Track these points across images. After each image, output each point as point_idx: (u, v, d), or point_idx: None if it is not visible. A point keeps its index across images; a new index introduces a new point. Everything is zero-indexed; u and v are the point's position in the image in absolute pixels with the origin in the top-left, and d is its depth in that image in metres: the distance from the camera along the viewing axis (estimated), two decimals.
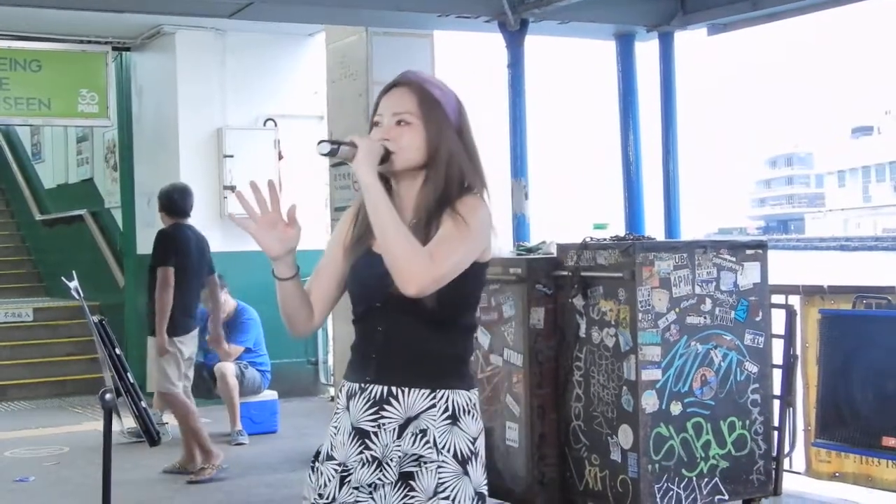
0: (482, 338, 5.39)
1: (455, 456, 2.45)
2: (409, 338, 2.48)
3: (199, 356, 8.27)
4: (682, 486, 4.92)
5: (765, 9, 6.42)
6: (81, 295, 2.81)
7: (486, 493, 2.51)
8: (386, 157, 2.45)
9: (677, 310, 4.95)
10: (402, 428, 2.45)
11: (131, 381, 2.72)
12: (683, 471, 4.93)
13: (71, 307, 10.77)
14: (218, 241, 9.50)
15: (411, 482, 2.44)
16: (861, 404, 4.47)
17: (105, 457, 2.80)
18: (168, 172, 9.63)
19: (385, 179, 2.49)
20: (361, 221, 2.55)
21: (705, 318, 5.03)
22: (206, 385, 8.08)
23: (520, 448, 5.27)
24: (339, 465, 2.50)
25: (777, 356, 5.53)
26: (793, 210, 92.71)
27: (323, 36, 7.81)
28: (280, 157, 9.62)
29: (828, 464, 5.51)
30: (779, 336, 5.55)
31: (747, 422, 5.13)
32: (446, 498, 2.42)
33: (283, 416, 8.26)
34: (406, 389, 2.46)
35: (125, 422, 3.04)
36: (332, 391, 8.89)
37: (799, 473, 5.67)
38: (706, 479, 5.00)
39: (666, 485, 4.88)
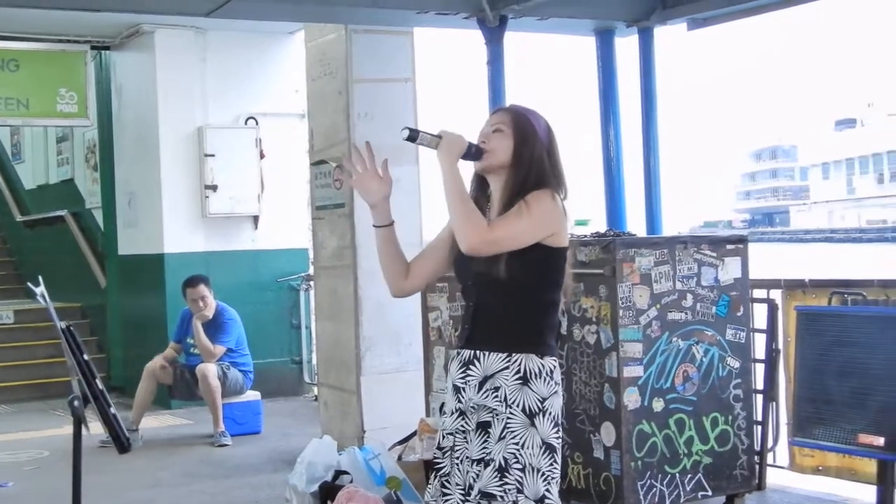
0: None
1: (523, 410, 2.95)
2: (491, 311, 3.04)
3: (182, 358, 8.24)
4: (665, 482, 4.91)
5: (743, 3, 6.40)
6: (48, 300, 2.77)
7: (555, 444, 2.98)
8: (478, 154, 3.06)
9: (658, 306, 4.93)
10: (482, 384, 3.00)
11: (100, 387, 2.68)
12: (666, 467, 4.92)
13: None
14: (200, 242, 9.48)
15: (488, 430, 2.98)
16: (837, 402, 4.44)
17: (75, 464, 2.76)
18: (149, 172, 9.58)
19: (483, 180, 3.12)
20: None
21: (686, 313, 5.02)
22: (188, 386, 8.05)
23: None
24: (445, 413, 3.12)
25: (759, 351, 5.54)
26: (778, 203, 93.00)
27: (303, 34, 7.76)
28: (261, 156, 9.57)
29: (811, 458, 5.51)
30: (760, 331, 5.55)
31: (730, 417, 5.13)
32: (516, 444, 2.92)
33: (267, 416, 8.23)
34: (486, 353, 3.02)
35: (92, 428, 3.00)
36: (315, 391, 8.83)
37: (782, 468, 5.68)
38: (689, 476, 4.99)
39: (649, 482, 4.86)
